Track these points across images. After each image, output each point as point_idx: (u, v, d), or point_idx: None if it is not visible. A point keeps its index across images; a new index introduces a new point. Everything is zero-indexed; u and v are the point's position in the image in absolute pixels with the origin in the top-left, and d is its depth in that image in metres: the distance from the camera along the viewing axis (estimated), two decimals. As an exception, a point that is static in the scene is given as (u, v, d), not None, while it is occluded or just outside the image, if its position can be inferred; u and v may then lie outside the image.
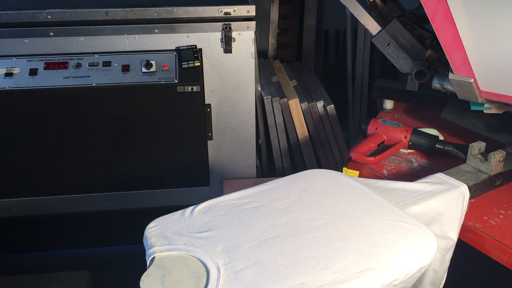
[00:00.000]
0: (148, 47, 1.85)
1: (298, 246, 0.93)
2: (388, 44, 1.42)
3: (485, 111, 1.36)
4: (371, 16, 1.43)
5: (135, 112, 1.84)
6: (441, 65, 1.46)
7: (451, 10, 1.09)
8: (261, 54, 2.66)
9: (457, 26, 1.12)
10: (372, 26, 1.43)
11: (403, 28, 1.41)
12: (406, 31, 1.42)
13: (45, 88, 1.71)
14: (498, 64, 1.15)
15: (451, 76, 1.26)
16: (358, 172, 1.34)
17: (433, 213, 1.07)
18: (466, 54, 1.17)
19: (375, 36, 1.43)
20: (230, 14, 1.84)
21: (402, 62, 1.45)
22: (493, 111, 1.35)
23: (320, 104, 2.28)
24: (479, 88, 1.25)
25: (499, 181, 1.21)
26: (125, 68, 1.81)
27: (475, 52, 1.16)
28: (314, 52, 2.74)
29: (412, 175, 1.30)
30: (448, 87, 1.40)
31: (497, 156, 1.17)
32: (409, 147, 1.39)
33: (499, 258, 1.05)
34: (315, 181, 1.13)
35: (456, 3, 1.07)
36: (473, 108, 1.38)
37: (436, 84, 1.42)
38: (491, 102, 1.31)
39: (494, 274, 1.46)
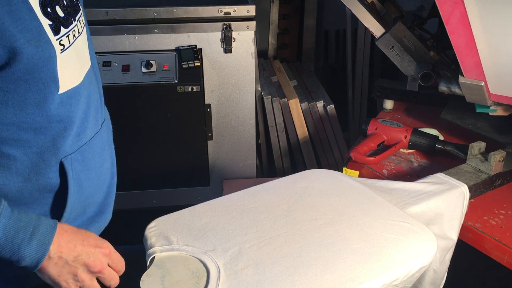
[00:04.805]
0: (148, 47, 1.85)
1: (298, 246, 0.93)
2: (392, 47, 1.40)
3: (490, 113, 1.35)
4: (375, 18, 1.42)
5: (135, 112, 1.84)
6: (443, 67, 1.45)
7: (468, 13, 1.08)
8: (261, 54, 2.66)
9: (472, 30, 1.10)
10: (376, 28, 1.40)
11: (407, 30, 1.39)
12: (411, 33, 1.40)
13: (45, 88, 1.71)
14: (511, 67, 1.14)
15: (461, 79, 1.25)
16: (358, 172, 1.34)
17: (433, 213, 1.07)
18: (479, 58, 1.16)
19: (378, 38, 1.41)
20: (230, 14, 1.84)
21: (406, 65, 1.43)
22: (499, 113, 1.33)
23: (320, 104, 2.28)
24: (489, 91, 1.24)
25: (499, 181, 1.21)
26: (125, 68, 1.81)
27: (488, 55, 1.15)
28: (314, 52, 2.74)
29: (412, 175, 1.30)
30: (456, 89, 1.38)
31: (497, 156, 1.17)
32: (409, 147, 1.39)
33: (499, 258, 1.05)
34: (315, 181, 1.13)
35: (473, 6, 1.06)
36: (478, 110, 1.36)
37: (443, 87, 1.41)
38: (498, 104, 1.30)
39: (494, 274, 1.47)
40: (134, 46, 1.84)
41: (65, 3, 0.86)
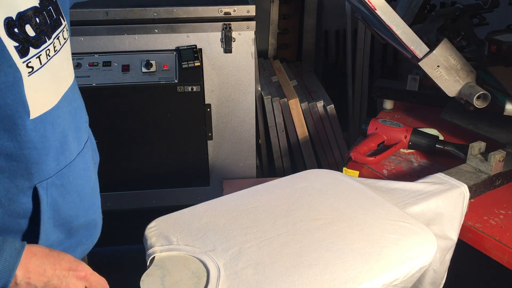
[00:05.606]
0: (148, 47, 1.85)
1: (298, 246, 0.93)
2: (438, 66, 1.27)
3: None
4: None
5: (135, 112, 1.84)
6: (488, 85, 1.36)
7: None
8: (261, 54, 2.66)
9: None
10: (420, 48, 1.26)
11: (453, 47, 1.27)
12: (457, 51, 1.27)
13: (45, 88, 1.71)
14: None
15: None
16: (358, 172, 1.34)
17: (433, 213, 1.07)
18: None
19: (422, 58, 1.26)
20: (230, 14, 1.84)
21: (451, 85, 1.30)
22: None
23: (320, 104, 2.28)
24: None
25: (499, 181, 1.21)
26: (125, 68, 1.81)
27: None
28: (314, 52, 2.74)
29: (412, 175, 1.30)
30: None
31: (497, 156, 1.17)
32: (409, 147, 1.39)
33: (499, 258, 1.05)
34: (315, 181, 1.13)
35: None
36: None
37: (510, 108, 1.32)
38: None
39: (494, 274, 1.46)
40: (134, 46, 1.84)
41: (37, 21, 0.81)
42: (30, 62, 0.78)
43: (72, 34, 1.80)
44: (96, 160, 1.08)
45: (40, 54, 0.80)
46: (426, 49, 1.25)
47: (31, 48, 0.78)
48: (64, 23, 0.89)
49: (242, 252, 0.92)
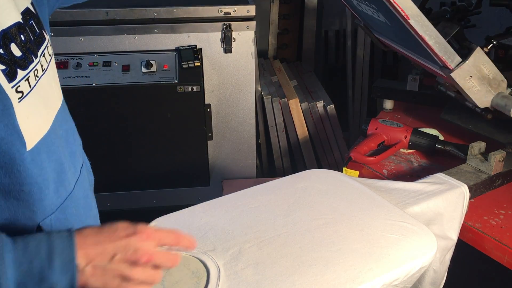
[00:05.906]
0: (148, 47, 1.85)
1: (298, 246, 0.93)
2: (470, 77, 1.19)
3: None
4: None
5: (135, 112, 1.84)
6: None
7: None
8: (261, 54, 2.66)
9: None
10: (453, 58, 1.17)
11: (486, 56, 1.20)
12: (489, 60, 1.21)
13: (45, 88, 1.71)
14: None
15: None
16: (358, 172, 1.34)
17: (433, 213, 1.07)
18: None
19: (454, 69, 1.18)
20: (230, 14, 1.84)
21: (483, 96, 1.23)
22: None
23: (320, 104, 2.28)
24: None
25: (499, 181, 1.21)
26: (125, 68, 1.81)
27: None
28: (314, 52, 2.74)
29: (412, 175, 1.30)
30: None
31: (497, 156, 1.17)
32: (409, 147, 1.39)
33: (499, 258, 1.05)
34: (315, 181, 1.13)
35: None
36: None
37: None
38: None
39: (494, 274, 1.47)
40: (134, 46, 1.84)
41: (23, 38, 0.72)
42: (19, 86, 0.70)
43: (72, 34, 1.81)
44: (91, 183, 1.00)
45: (29, 76, 0.72)
46: (458, 59, 1.18)
47: (18, 70, 0.70)
48: (47, 37, 0.81)
49: (242, 252, 0.92)
